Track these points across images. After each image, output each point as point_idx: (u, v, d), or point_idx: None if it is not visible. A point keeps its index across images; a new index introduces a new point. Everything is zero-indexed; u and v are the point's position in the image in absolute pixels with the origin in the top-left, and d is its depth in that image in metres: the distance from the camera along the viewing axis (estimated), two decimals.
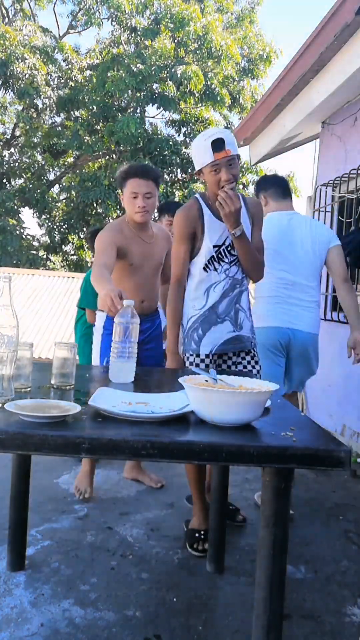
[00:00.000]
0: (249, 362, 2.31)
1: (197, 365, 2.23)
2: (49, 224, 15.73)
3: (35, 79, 12.80)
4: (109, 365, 1.75)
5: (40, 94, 13.12)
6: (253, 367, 2.31)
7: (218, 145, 2.04)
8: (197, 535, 2.26)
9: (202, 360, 2.24)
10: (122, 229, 2.54)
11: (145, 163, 2.76)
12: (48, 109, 14.41)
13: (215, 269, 2.21)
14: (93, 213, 14.86)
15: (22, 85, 12.75)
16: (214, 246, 2.19)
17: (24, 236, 15.13)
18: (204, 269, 2.21)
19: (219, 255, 2.20)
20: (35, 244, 16.23)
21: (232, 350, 2.27)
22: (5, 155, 15.40)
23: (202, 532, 2.26)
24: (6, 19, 15.46)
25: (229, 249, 2.20)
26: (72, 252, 16.91)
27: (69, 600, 1.84)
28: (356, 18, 2.82)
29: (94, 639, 1.66)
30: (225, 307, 2.23)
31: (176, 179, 14.34)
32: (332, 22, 3.08)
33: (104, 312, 2.56)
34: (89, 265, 15.55)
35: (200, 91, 13.16)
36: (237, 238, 2.12)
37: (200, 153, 2.11)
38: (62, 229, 15.67)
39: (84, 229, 15.51)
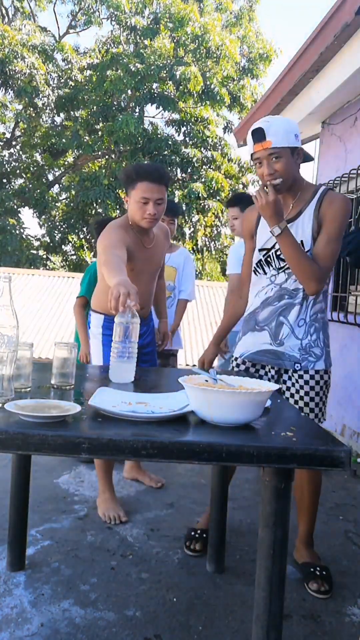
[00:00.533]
0: (292, 386, 2.04)
1: (235, 368, 2.16)
2: (49, 223, 15.74)
3: (34, 78, 12.81)
4: (110, 365, 1.75)
5: (39, 93, 13.12)
6: (297, 391, 2.02)
7: (257, 136, 1.88)
8: (192, 533, 2.26)
9: (238, 365, 2.15)
10: (127, 231, 2.38)
11: (157, 164, 2.66)
12: (47, 108, 14.41)
13: (265, 273, 2.06)
14: (93, 213, 14.87)
15: (20, 84, 12.75)
16: (261, 249, 2.05)
17: (23, 236, 15.14)
18: (254, 272, 2.09)
19: (267, 260, 2.04)
20: (36, 243, 16.24)
21: (270, 364, 2.07)
22: (5, 155, 15.40)
23: (197, 532, 2.25)
24: (6, 19, 15.46)
25: (278, 253, 2.00)
26: (72, 252, 16.91)
27: (69, 600, 1.84)
28: (356, 18, 2.82)
29: (94, 639, 1.66)
30: (266, 316, 2.06)
31: (176, 179, 14.34)
32: (332, 22, 3.08)
33: (100, 314, 2.50)
34: (89, 264, 15.53)
35: (199, 91, 13.17)
36: (279, 237, 1.89)
37: (248, 145, 1.98)
38: (61, 229, 15.68)
39: (84, 229, 15.52)
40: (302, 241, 1.93)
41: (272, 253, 2.02)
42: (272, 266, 2.03)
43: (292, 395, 2.03)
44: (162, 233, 2.59)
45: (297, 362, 2.00)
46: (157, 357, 2.84)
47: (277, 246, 1.97)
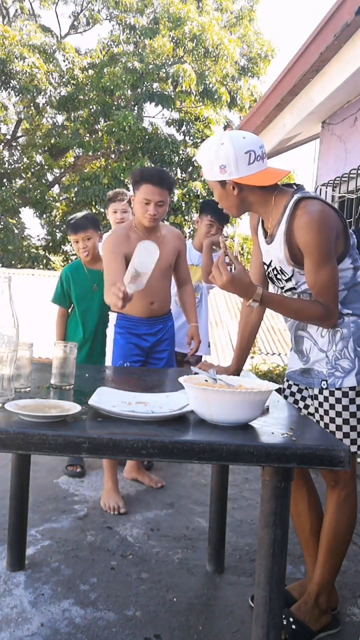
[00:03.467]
0: (319, 406, 1.72)
1: (284, 388, 1.90)
2: (49, 223, 15.75)
3: (35, 78, 12.81)
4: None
5: (41, 92, 13.13)
6: (325, 413, 1.70)
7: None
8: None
9: (288, 386, 1.88)
10: (129, 234, 2.57)
11: (162, 169, 2.83)
12: (48, 107, 14.42)
13: (274, 285, 1.85)
14: (93, 213, 14.87)
15: (22, 84, 12.76)
16: (264, 263, 1.84)
17: (24, 235, 15.15)
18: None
19: (270, 276, 1.83)
20: (36, 243, 16.25)
21: (305, 385, 1.79)
22: (5, 155, 15.41)
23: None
24: (6, 19, 15.46)
25: (275, 273, 1.78)
26: (72, 252, 16.91)
27: (69, 600, 1.84)
28: (356, 18, 2.82)
29: (94, 639, 1.66)
30: (292, 333, 1.83)
31: (176, 178, 14.34)
32: (332, 22, 3.08)
33: (114, 312, 2.68)
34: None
35: (197, 90, 13.18)
36: (263, 307, 1.68)
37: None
38: (62, 229, 15.69)
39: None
40: (280, 268, 1.72)
41: (270, 271, 1.80)
42: (275, 284, 1.83)
43: (326, 412, 1.70)
44: (174, 236, 2.74)
45: (324, 380, 1.70)
46: (174, 362, 2.87)
47: (272, 264, 1.77)
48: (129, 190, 3.68)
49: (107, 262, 2.53)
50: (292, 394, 1.86)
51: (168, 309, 2.78)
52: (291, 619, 1.71)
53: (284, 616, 1.68)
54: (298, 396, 1.84)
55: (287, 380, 1.89)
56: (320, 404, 1.71)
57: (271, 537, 1.15)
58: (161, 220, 2.58)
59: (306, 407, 1.82)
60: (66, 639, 1.65)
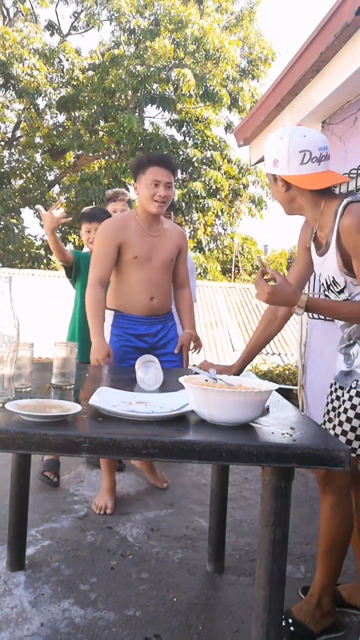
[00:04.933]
0: (339, 406, 1.72)
1: (330, 389, 1.86)
2: None
3: (35, 79, 12.81)
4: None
5: (41, 93, 13.13)
6: (338, 414, 1.70)
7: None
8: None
9: (331, 386, 1.86)
10: (127, 222, 2.48)
11: (166, 153, 2.90)
12: (48, 108, 14.42)
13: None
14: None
15: (22, 85, 12.76)
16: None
17: (24, 235, 15.15)
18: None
19: (320, 292, 1.80)
20: (37, 243, 16.25)
21: (342, 384, 1.76)
22: (5, 155, 15.42)
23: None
24: (7, 20, 15.46)
25: (327, 285, 1.74)
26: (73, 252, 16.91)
27: (69, 600, 1.84)
28: (356, 18, 2.82)
29: (94, 639, 1.66)
30: (344, 334, 1.78)
31: (176, 178, 14.33)
32: (332, 22, 3.08)
33: (110, 310, 2.59)
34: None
35: (198, 92, 13.18)
36: (310, 312, 1.64)
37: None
38: (62, 229, 15.69)
39: None
40: (333, 278, 1.67)
41: (322, 284, 1.76)
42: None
43: (345, 411, 1.68)
44: (177, 232, 2.64)
45: (356, 380, 1.68)
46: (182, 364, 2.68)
47: (321, 279, 1.75)
48: (128, 191, 3.68)
49: (97, 248, 2.47)
50: (332, 400, 1.80)
51: (169, 308, 2.62)
52: (290, 620, 1.71)
53: (283, 617, 1.66)
54: (336, 403, 1.77)
55: (333, 384, 1.82)
56: (344, 401, 1.70)
57: (271, 537, 1.15)
58: (166, 207, 2.48)
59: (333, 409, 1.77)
60: (66, 639, 1.65)
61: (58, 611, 1.78)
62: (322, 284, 1.75)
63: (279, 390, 1.87)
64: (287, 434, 1.18)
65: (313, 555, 2.26)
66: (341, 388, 1.77)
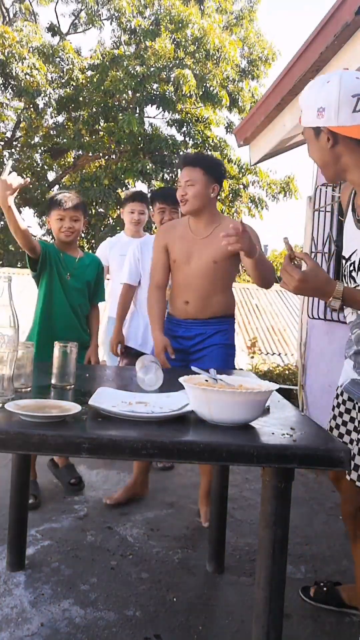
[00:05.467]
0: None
1: (335, 399, 1.69)
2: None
3: (35, 79, 12.81)
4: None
5: (41, 93, 13.13)
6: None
7: None
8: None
9: (337, 397, 1.67)
10: (175, 225, 2.54)
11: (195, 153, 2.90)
12: (48, 108, 14.42)
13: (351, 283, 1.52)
14: (93, 213, 14.87)
15: (22, 85, 12.76)
16: (342, 257, 1.55)
17: None
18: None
19: (345, 273, 1.53)
20: None
21: (356, 398, 1.55)
22: (5, 155, 15.41)
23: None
24: (6, 19, 15.46)
25: (354, 267, 1.47)
26: None
27: (69, 600, 1.84)
28: (356, 18, 2.82)
29: (94, 639, 1.66)
30: (354, 336, 1.54)
31: (176, 179, 14.34)
32: (332, 22, 3.08)
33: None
34: None
35: (198, 93, 13.18)
36: (343, 306, 1.41)
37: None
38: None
39: (84, 228, 15.52)
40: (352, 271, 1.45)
41: (350, 265, 1.49)
42: (350, 282, 1.50)
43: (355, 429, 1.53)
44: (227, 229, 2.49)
45: None
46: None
47: (352, 258, 1.47)
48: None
49: (152, 266, 2.57)
50: (340, 414, 1.62)
51: (210, 313, 2.42)
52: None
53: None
54: (346, 417, 1.59)
55: (340, 395, 1.64)
56: (354, 420, 1.53)
57: (271, 537, 1.15)
58: (194, 206, 2.37)
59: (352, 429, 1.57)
60: (66, 639, 1.65)
61: (58, 611, 1.78)
62: (353, 263, 1.46)
63: (279, 390, 1.86)
64: (287, 434, 1.18)
65: (313, 556, 2.26)
66: (350, 400, 1.60)
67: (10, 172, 2.30)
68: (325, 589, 1.90)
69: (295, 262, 1.38)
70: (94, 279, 2.77)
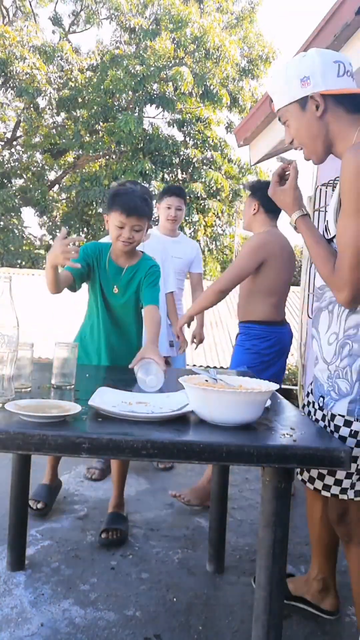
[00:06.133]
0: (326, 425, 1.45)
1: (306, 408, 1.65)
2: (50, 224, 15.76)
3: (35, 79, 12.81)
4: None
5: (41, 93, 13.13)
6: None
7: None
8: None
9: (305, 405, 1.65)
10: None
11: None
12: (48, 108, 14.43)
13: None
14: (93, 213, 14.88)
15: (22, 85, 12.77)
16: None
17: (25, 235, 15.15)
18: None
19: None
20: (37, 243, 16.25)
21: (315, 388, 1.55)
22: (5, 155, 15.42)
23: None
24: (6, 19, 15.46)
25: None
26: None
27: (69, 600, 1.84)
28: (356, 18, 2.82)
29: (94, 639, 1.66)
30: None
31: (176, 179, 14.33)
32: (332, 22, 3.08)
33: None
34: None
35: (197, 92, 13.18)
36: (297, 230, 1.47)
37: None
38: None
39: (84, 228, 15.52)
40: (327, 222, 1.44)
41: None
42: None
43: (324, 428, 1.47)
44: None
45: (322, 396, 1.47)
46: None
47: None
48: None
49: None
50: (310, 403, 1.62)
51: (243, 317, 2.70)
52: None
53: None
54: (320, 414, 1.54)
55: (312, 383, 1.62)
56: (331, 421, 1.44)
57: (271, 537, 1.15)
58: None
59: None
60: (66, 639, 1.65)
61: (58, 611, 1.78)
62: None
63: (279, 390, 1.87)
64: (287, 434, 1.18)
65: None
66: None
67: (65, 237, 1.96)
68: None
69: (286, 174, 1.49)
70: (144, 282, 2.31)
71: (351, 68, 1.37)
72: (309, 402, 1.64)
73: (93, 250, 2.28)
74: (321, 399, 1.48)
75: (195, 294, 3.44)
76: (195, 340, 3.30)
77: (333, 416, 1.41)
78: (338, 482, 1.46)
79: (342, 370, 1.39)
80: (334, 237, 1.39)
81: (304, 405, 1.70)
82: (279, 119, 1.45)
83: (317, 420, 1.52)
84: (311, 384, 1.64)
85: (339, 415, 1.39)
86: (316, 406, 1.55)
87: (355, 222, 1.27)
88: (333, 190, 1.49)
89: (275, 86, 1.41)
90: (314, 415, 1.56)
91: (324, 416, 1.47)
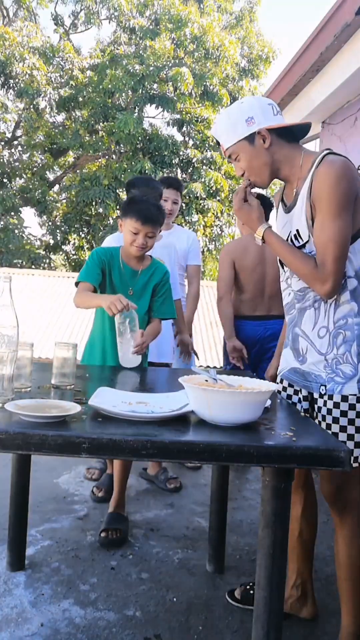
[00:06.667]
0: (319, 409, 1.58)
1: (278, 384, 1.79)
2: (50, 223, 15.76)
3: (35, 79, 12.81)
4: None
5: (41, 93, 13.13)
6: (327, 414, 1.55)
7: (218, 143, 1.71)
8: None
9: (281, 390, 1.76)
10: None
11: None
12: (48, 108, 14.43)
13: (284, 272, 1.72)
14: (93, 213, 14.88)
15: (22, 85, 12.76)
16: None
17: (25, 235, 15.15)
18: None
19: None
20: (37, 243, 16.25)
21: (299, 385, 1.69)
22: (5, 155, 15.41)
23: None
24: (6, 19, 15.46)
25: (289, 241, 1.65)
26: (73, 252, 16.92)
27: (69, 600, 1.84)
28: (356, 18, 2.82)
29: (94, 639, 1.66)
30: (290, 329, 1.71)
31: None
32: (332, 22, 3.08)
33: None
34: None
35: (197, 92, 13.18)
36: (265, 243, 1.63)
37: None
38: (62, 229, 15.69)
39: (84, 228, 15.52)
40: (297, 230, 1.59)
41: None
42: (284, 266, 1.70)
43: (323, 418, 1.56)
44: None
45: (323, 385, 1.57)
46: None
47: (289, 238, 1.65)
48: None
49: None
50: (289, 396, 1.72)
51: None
52: None
53: None
54: (295, 398, 1.70)
55: (282, 381, 1.75)
56: (319, 409, 1.58)
57: (271, 538, 1.15)
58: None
59: (305, 410, 1.68)
60: (66, 639, 1.65)
61: (58, 611, 1.78)
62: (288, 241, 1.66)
63: (311, 416, 1.85)
64: (287, 434, 1.18)
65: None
66: (291, 386, 1.73)
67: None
68: (252, 591, 1.82)
69: (250, 194, 1.66)
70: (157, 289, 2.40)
71: (279, 109, 1.66)
72: (289, 396, 1.74)
73: (105, 254, 2.34)
74: (322, 387, 1.57)
75: (191, 288, 3.31)
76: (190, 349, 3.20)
77: (345, 397, 1.53)
78: None
79: (342, 357, 1.54)
80: (305, 243, 1.57)
81: (279, 391, 1.76)
82: (229, 157, 1.66)
83: (298, 404, 1.69)
84: (281, 381, 1.76)
85: (351, 394, 1.52)
86: (302, 395, 1.69)
87: (335, 223, 1.47)
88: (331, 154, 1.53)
89: (222, 130, 1.64)
90: (299, 403, 1.70)
91: (325, 402, 1.56)
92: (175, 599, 1.89)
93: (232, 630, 1.74)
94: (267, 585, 1.16)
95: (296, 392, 1.71)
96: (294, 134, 1.63)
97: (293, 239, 1.61)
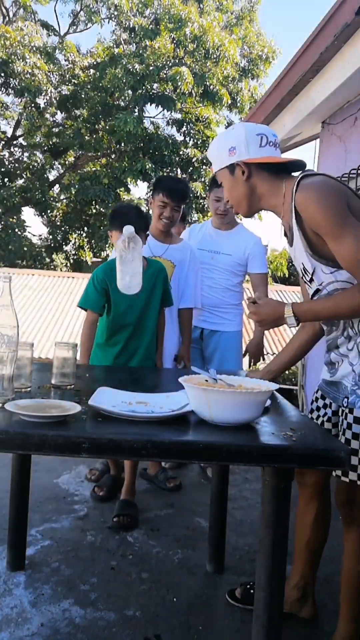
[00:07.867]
0: (341, 423, 1.56)
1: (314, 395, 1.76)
2: (50, 223, 15.76)
3: (35, 78, 12.81)
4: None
5: (42, 92, 13.13)
6: (346, 429, 1.51)
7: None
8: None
9: (315, 393, 1.75)
10: None
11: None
12: (49, 107, 14.43)
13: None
14: (93, 212, 14.88)
15: (22, 84, 12.76)
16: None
17: (25, 235, 15.15)
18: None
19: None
20: (37, 242, 16.26)
21: (330, 397, 1.66)
22: (5, 155, 15.41)
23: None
24: (6, 19, 15.46)
25: (301, 275, 1.64)
26: (73, 252, 16.92)
27: (69, 600, 1.84)
28: (356, 18, 2.81)
29: (94, 639, 1.66)
30: (325, 345, 1.67)
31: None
32: (332, 22, 3.08)
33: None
34: (89, 264, 15.58)
35: (197, 92, 13.18)
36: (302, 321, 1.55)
37: None
38: (62, 228, 15.69)
39: (85, 228, 15.52)
40: (302, 264, 1.56)
41: (301, 278, 1.65)
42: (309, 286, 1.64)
43: (343, 432, 1.52)
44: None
45: (346, 396, 1.53)
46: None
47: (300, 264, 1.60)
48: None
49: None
50: (318, 408, 1.71)
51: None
52: None
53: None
54: (322, 412, 1.68)
55: (317, 391, 1.74)
56: (342, 422, 1.55)
57: (271, 538, 1.15)
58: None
59: (334, 425, 1.64)
60: (66, 639, 1.65)
61: (58, 611, 1.78)
62: (302, 276, 1.64)
63: (279, 390, 1.87)
64: (287, 434, 1.18)
65: None
66: (323, 398, 1.71)
67: None
68: (252, 591, 1.81)
69: (258, 302, 1.60)
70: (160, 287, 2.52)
71: (275, 139, 1.57)
72: (318, 407, 1.73)
73: (104, 273, 2.43)
74: (345, 399, 1.54)
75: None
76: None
77: None
78: (354, 468, 1.49)
79: None
80: (313, 274, 1.54)
81: (311, 410, 1.76)
82: (218, 181, 1.66)
83: (324, 423, 1.68)
84: (317, 391, 1.75)
85: None
86: (330, 409, 1.67)
87: (345, 238, 1.39)
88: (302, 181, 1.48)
89: (212, 153, 1.64)
90: (323, 417, 1.68)
91: (346, 415, 1.53)
92: (175, 599, 1.89)
93: (232, 630, 1.74)
94: (267, 585, 1.16)
95: (325, 406, 1.69)
96: (283, 165, 1.57)
97: (303, 272, 1.59)
